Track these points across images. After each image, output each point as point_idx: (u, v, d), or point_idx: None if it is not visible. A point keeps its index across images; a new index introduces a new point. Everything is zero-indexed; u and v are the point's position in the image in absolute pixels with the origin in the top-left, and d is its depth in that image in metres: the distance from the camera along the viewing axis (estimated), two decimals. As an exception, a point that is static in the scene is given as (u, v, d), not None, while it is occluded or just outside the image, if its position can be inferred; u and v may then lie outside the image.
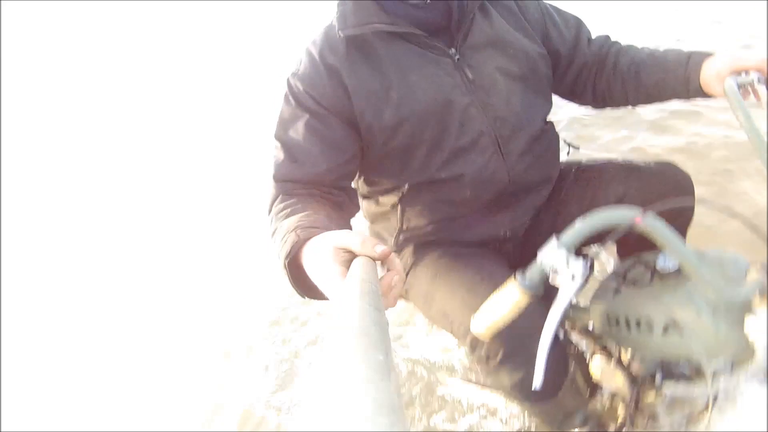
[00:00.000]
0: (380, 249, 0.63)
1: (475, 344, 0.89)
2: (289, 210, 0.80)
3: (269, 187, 0.90)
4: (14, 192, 5.81)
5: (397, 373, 1.31)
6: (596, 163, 1.12)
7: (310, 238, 0.66)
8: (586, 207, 0.99)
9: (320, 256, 0.64)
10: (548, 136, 1.04)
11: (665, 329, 0.81)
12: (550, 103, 1.04)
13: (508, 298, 0.71)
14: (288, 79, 0.92)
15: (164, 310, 2.74)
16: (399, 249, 1.13)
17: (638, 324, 0.84)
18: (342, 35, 0.86)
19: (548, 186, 1.08)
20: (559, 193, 1.11)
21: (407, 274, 1.08)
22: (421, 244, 1.09)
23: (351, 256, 0.64)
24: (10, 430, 2.25)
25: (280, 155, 0.90)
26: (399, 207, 1.04)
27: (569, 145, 1.17)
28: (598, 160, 1.14)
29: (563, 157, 1.14)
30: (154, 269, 3.24)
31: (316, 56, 0.89)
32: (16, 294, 3.52)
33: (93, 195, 5.17)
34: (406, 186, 0.99)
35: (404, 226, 1.07)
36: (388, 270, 0.61)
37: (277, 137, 0.91)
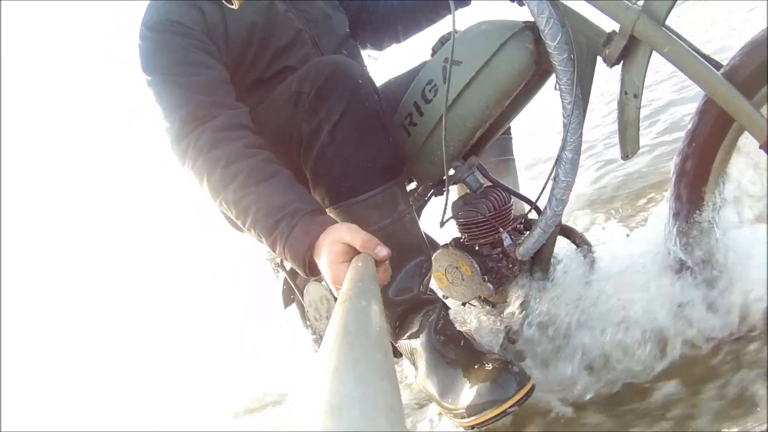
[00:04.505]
0: (382, 252, 0.66)
1: None
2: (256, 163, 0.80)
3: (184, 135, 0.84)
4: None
5: (397, 372, 1.31)
6: None
7: (318, 235, 0.72)
8: None
9: (325, 255, 0.70)
10: (351, 42, 1.22)
11: None
12: (345, 15, 1.24)
13: None
14: (141, 43, 0.89)
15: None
16: None
17: None
18: None
19: None
20: None
21: None
22: None
23: (353, 251, 0.68)
24: (10, 430, 2.25)
25: (185, 95, 0.86)
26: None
27: (369, 55, 1.35)
28: None
29: None
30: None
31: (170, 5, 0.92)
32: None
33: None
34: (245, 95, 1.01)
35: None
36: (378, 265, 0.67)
37: (174, 83, 0.87)
